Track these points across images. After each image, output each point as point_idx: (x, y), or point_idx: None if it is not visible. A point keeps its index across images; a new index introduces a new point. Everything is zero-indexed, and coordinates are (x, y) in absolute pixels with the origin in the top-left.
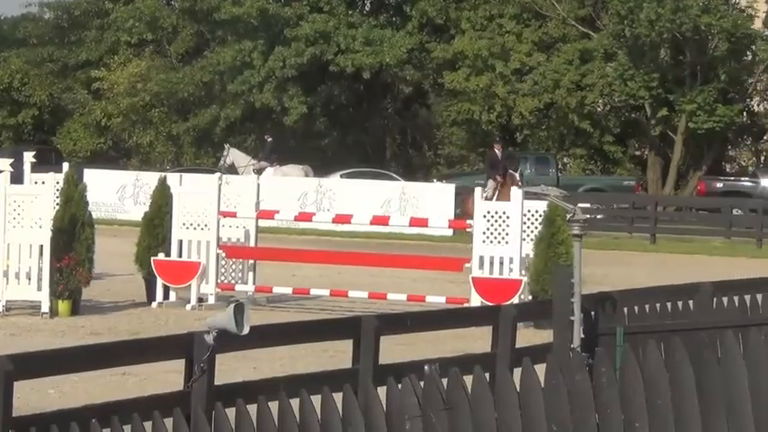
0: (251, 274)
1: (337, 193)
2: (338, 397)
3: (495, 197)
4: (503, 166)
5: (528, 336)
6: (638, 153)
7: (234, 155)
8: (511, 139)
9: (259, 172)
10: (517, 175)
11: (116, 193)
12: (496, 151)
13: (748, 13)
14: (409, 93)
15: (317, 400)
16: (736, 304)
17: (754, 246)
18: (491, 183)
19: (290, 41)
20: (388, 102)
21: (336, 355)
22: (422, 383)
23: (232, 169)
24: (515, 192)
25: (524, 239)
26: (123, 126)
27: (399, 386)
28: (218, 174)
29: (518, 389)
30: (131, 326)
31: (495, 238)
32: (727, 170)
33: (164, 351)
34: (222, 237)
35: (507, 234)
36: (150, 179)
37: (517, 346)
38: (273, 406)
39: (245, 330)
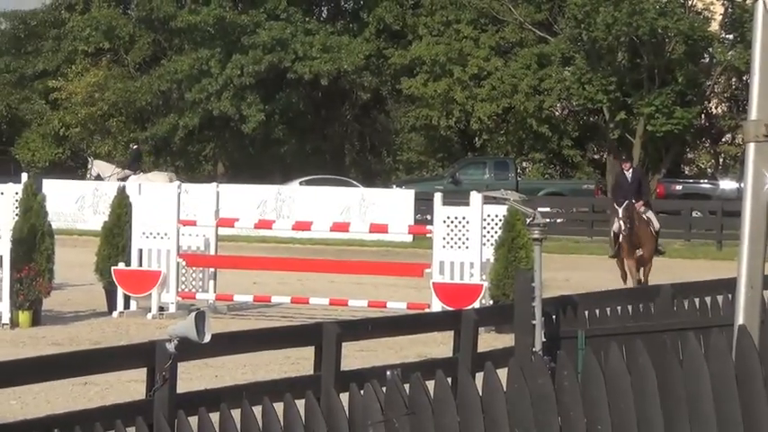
0: (211, 282)
1: (296, 200)
2: (300, 404)
3: (622, 233)
4: (633, 191)
5: (489, 340)
6: (596, 157)
7: (99, 166)
8: (470, 144)
9: (123, 180)
10: (649, 214)
11: (75, 203)
12: (625, 172)
13: (705, 16)
14: (367, 99)
15: (279, 407)
16: (697, 306)
17: (713, 247)
18: (620, 212)
19: (247, 49)
20: (346, 108)
21: (298, 362)
22: (384, 389)
23: (99, 180)
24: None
25: (485, 244)
26: (81, 136)
27: (362, 392)
28: (177, 182)
29: (480, 393)
30: (93, 335)
31: (456, 243)
32: (686, 172)
33: (125, 360)
34: (182, 245)
35: (467, 239)
36: (109, 189)
37: (479, 350)
38: (236, 414)
39: (207, 338)
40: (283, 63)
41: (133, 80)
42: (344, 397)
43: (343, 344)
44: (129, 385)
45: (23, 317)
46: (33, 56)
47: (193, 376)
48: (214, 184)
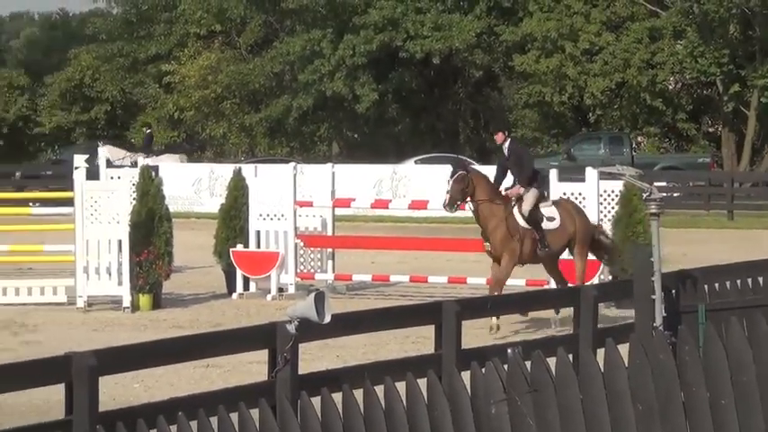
0: (330, 262)
1: (412, 178)
2: (422, 383)
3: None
4: (514, 168)
5: (610, 316)
6: (711, 130)
7: (108, 151)
8: (584, 119)
9: (135, 164)
10: (528, 195)
11: (192, 186)
12: (503, 147)
13: None
14: (480, 76)
15: (401, 386)
16: None
17: None
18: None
19: (358, 29)
20: (459, 86)
21: (418, 341)
22: (506, 367)
23: (109, 165)
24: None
25: (602, 220)
26: (196, 119)
27: (483, 370)
28: (292, 163)
29: (602, 369)
30: (213, 317)
31: None
32: None
33: (247, 342)
34: (299, 226)
35: None
36: (225, 171)
37: (599, 326)
38: (358, 394)
39: (327, 319)
40: (395, 42)
41: (246, 62)
42: (466, 375)
43: (463, 322)
44: (250, 367)
45: (144, 300)
46: (146, 40)
47: (314, 357)
48: (329, 164)
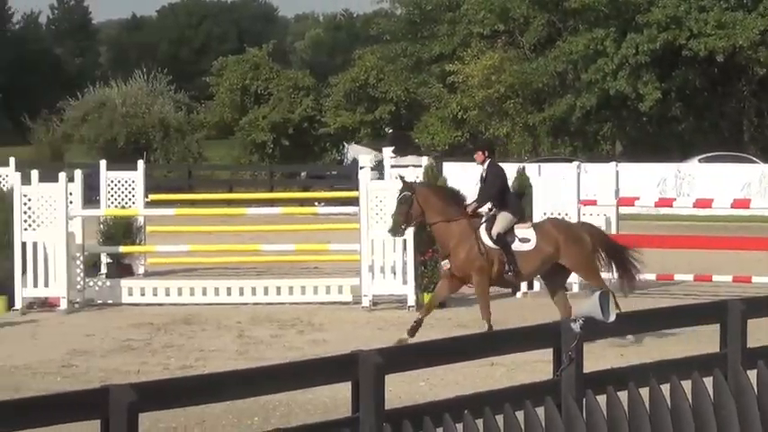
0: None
1: (696, 177)
2: (708, 381)
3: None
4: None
5: None
6: None
7: (354, 150)
8: None
9: (379, 164)
10: (503, 216)
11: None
12: (480, 164)
13: None
14: (764, 74)
15: (687, 384)
16: None
17: None
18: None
19: (641, 28)
20: (742, 84)
21: (703, 339)
22: None
23: (355, 163)
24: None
25: None
26: (479, 118)
27: None
28: (576, 162)
29: None
30: (498, 316)
31: None
32: None
33: (531, 340)
34: None
35: None
36: (509, 171)
37: None
38: (643, 392)
39: (612, 318)
40: (678, 40)
41: (529, 62)
42: (752, 374)
43: (749, 321)
44: (534, 365)
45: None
46: (429, 40)
47: (598, 356)
48: (613, 163)
